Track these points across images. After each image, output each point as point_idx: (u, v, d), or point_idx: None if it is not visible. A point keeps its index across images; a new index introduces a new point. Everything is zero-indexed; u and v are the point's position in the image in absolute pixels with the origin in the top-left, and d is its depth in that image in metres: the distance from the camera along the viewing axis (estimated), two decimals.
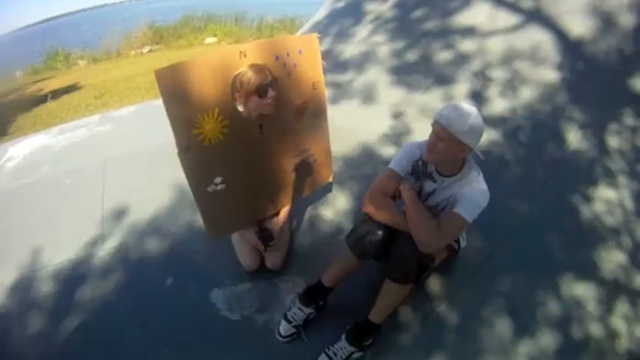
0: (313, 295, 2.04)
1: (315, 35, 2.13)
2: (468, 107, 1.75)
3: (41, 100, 6.72)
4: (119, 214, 2.86)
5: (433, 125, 1.78)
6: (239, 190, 2.11)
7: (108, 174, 3.29)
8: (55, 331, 2.18)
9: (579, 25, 3.76)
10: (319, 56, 2.15)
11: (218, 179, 2.00)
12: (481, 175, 1.86)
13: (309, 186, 2.48)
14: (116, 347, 2.09)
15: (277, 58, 1.98)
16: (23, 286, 2.45)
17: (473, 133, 1.72)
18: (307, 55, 2.09)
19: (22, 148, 3.97)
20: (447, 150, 1.76)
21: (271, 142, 2.15)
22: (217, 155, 1.94)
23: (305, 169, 2.37)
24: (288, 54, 2.02)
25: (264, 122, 2.06)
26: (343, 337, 1.92)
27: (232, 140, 1.96)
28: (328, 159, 2.52)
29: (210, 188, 2.00)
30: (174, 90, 1.72)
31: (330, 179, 2.63)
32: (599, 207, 2.67)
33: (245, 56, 1.88)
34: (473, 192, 1.79)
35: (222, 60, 1.85)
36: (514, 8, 4.08)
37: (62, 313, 2.26)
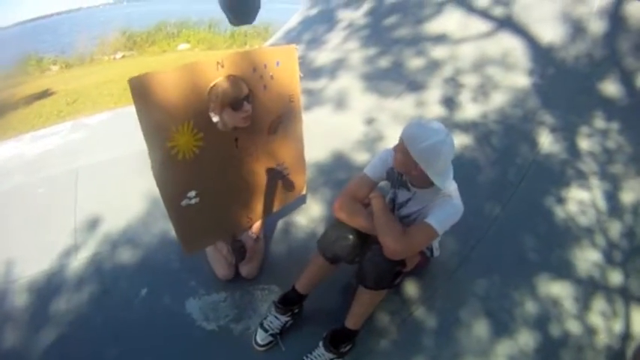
0: (289, 302, 2.03)
1: (293, 47, 2.08)
2: (434, 130, 1.70)
3: (12, 106, 6.55)
4: (92, 223, 2.80)
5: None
6: (213, 204, 2.06)
7: (80, 183, 3.22)
8: (30, 344, 2.12)
9: (550, 32, 3.86)
10: (297, 68, 2.11)
11: (192, 193, 1.94)
12: (456, 186, 1.86)
13: (283, 199, 2.46)
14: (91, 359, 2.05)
15: (254, 70, 1.93)
16: None
17: (425, 155, 1.68)
18: (285, 68, 2.05)
19: None
20: (403, 161, 1.76)
21: (246, 155, 2.11)
22: (192, 170, 1.89)
23: (278, 182, 2.35)
24: (265, 66, 1.97)
25: (239, 135, 2.02)
26: (321, 344, 1.91)
27: (207, 154, 1.90)
28: (302, 171, 2.49)
29: (184, 202, 1.94)
30: (148, 100, 1.65)
31: (304, 192, 2.60)
32: (572, 208, 2.72)
33: (222, 67, 1.82)
34: (446, 204, 1.78)
35: (198, 70, 1.78)
36: (485, 15, 4.17)
37: (36, 326, 2.20)
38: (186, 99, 1.74)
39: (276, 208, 2.44)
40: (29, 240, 2.74)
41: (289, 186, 2.43)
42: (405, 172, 1.86)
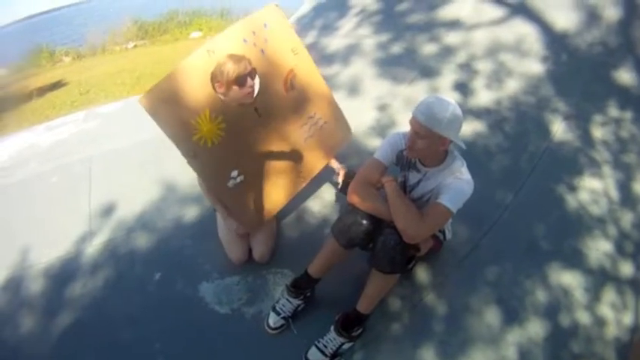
0: (301, 286, 2.05)
1: (273, 5, 2.15)
2: (445, 100, 1.75)
3: (26, 97, 6.62)
4: (107, 210, 2.84)
5: (411, 122, 1.78)
6: (259, 176, 2.12)
7: (95, 170, 3.26)
8: (46, 328, 2.18)
9: (564, 18, 3.81)
10: (287, 23, 2.18)
11: (234, 172, 2.02)
12: (465, 165, 1.86)
13: (332, 147, 2.48)
14: (107, 343, 2.09)
15: (245, 40, 2.01)
16: (13, 285, 2.44)
17: (452, 125, 1.72)
18: (274, 27, 2.11)
19: (7, 147, 3.92)
20: (427, 146, 1.76)
21: (272, 120, 2.15)
22: (225, 152, 1.96)
23: (319, 132, 2.37)
24: (254, 33, 2.03)
25: (257, 104, 2.07)
26: (332, 328, 1.93)
27: (233, 133, 1.98)
28: (339, 117, 2.50)
29: (230, 183, 2.02)
30: (161, 110, 1.78)
31: (350, 135, 2.63)
32: (584, 197, 2.70)
33: (214, 52, 1.91)
34: (457, 182, 1.79)
35: (193, 65, 1.89)
36: (499, 1, 4.12)
37: (52, 310, 2.26)
38: (193, 93, 1.85)
39: (329, 156, 2.46)
40: (45, 227, 2.80)
41: (332, 134, 2.44)
42: (429, 155, 1.86)
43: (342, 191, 2.26)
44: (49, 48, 11.11)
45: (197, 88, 1.86)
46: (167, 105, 1.79)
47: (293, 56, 2.19)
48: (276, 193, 2.28)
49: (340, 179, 2.30)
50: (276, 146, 2.21)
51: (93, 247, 2.59)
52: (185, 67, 1.86)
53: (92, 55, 10.32)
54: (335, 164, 2.46)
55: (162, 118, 1.79)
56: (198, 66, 1.88)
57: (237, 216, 2.12)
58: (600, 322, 2.13)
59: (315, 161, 2.40)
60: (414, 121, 1.76)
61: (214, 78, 1.92)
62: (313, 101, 2.32)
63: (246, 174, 2.05)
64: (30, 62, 10.49)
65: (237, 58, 1.92)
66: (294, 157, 2.31)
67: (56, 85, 7.16)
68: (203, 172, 1.95)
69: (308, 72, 2.27)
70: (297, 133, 2.28)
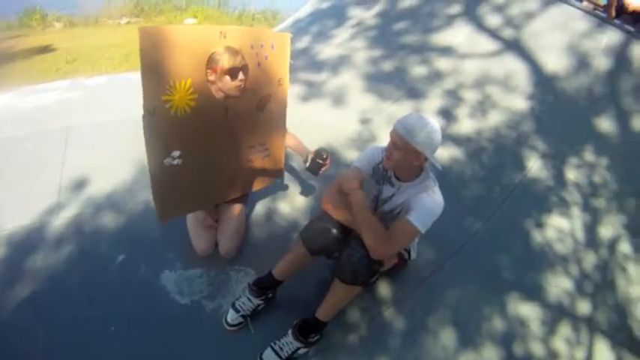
0: (263, 286, 2.06)
1: (288, 34, 2.21)
2: (426, 118, 1.81)
3: (10, 58, 6.44)
4: (78, 184, 2.79)
5: (391, 133, 1.83)
6: (195, 169, 2.09)
7: (71, 142, 3.19)
8: (2, 297, 2.11)
9: (554, 61, 3.91)
10: (288, 55, 2.22)
11: (176, 153, 1.97)
12: (437, 185, 1.89)
13: (260, 180, 2.49)
14: (62, 319, 2.05)
15: (252, 47, 2.04)
16: None
17: (429, 142, 1.76)
18: (278, 51, 2.16)
19: None
20: (403, 158, 1.80)
21: (234, 127, 2.16)
22: (180, 127, 1.93)
23: (258, 162, 2.38)
24: (261, 45, 2.08)
25: (229, 105, 2.08)
26: (290, 332, 1.93)
27: (197, 116, 1.96)
28: (281, 156, 2.51)
29: (167, 161, 1.97)
30: (153, 51, 1.73)
31: (282, 175, 2.63)
32: (550, 234, 2.78)
33: (225, 37, 1.93)
34: (427, 200, 1.81)
35: (202, 35, 1.90)
36: (494, 35, 4.20)
37: (11, 279, 2.20)
38: (187, 59, 1.84)
39: (253, 188, 2.46)
40: (12, 193, 2.72)
41: (268, 168, 2.46)
42: (403, 168, 1.90)
43: (310, 170, 2.32)
44: (42, 11, 10.83)
45: (193, 56, 1.86)
46: (162, 50, 1.75)
47: (277, 85, 2.24)
48: (199, 197, 2.26)
49: (309, 158, 2.31)
50: (225, 152, 2.21)
51: (59, 221, 2.54)
52: (194, 31, 1.89)
53: (84, 26, 10.10)
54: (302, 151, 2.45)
55: (148, 58, 1.73)
56: (205, 39, 1.90)
57: (154, 197, 2.07)
58: (553, 354, 2.19)
59: (243, 185, 2.41)
60: (393, 132, 1.81)
61: (209, 63, 1.92)
62: (270, 132, 2.36)
63: (185, 160, 2.01)
64: (20, 22, 10.22)
65: (233, 51, 1.95)
66: (233, 171, 2.31)
67: (44, 50, 6.98)
68: (151, 135, 1.87)
69: (280, 106, 2.32)
70: (246, 152, 2.30)
